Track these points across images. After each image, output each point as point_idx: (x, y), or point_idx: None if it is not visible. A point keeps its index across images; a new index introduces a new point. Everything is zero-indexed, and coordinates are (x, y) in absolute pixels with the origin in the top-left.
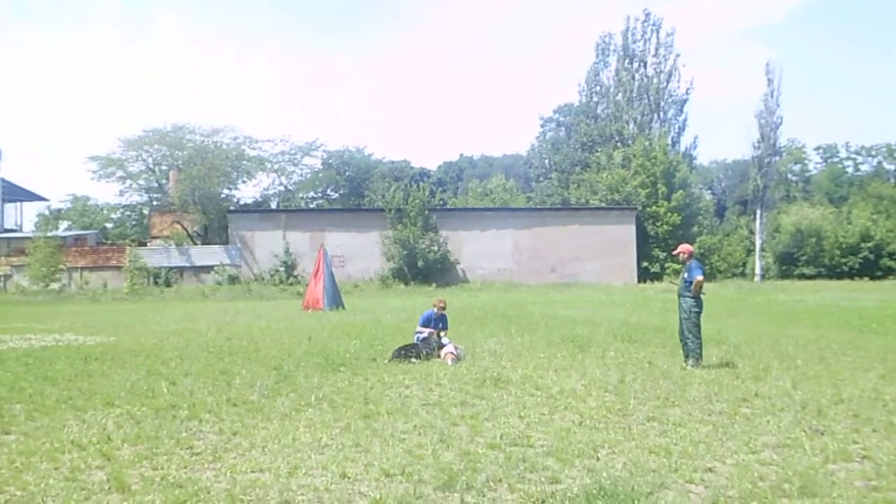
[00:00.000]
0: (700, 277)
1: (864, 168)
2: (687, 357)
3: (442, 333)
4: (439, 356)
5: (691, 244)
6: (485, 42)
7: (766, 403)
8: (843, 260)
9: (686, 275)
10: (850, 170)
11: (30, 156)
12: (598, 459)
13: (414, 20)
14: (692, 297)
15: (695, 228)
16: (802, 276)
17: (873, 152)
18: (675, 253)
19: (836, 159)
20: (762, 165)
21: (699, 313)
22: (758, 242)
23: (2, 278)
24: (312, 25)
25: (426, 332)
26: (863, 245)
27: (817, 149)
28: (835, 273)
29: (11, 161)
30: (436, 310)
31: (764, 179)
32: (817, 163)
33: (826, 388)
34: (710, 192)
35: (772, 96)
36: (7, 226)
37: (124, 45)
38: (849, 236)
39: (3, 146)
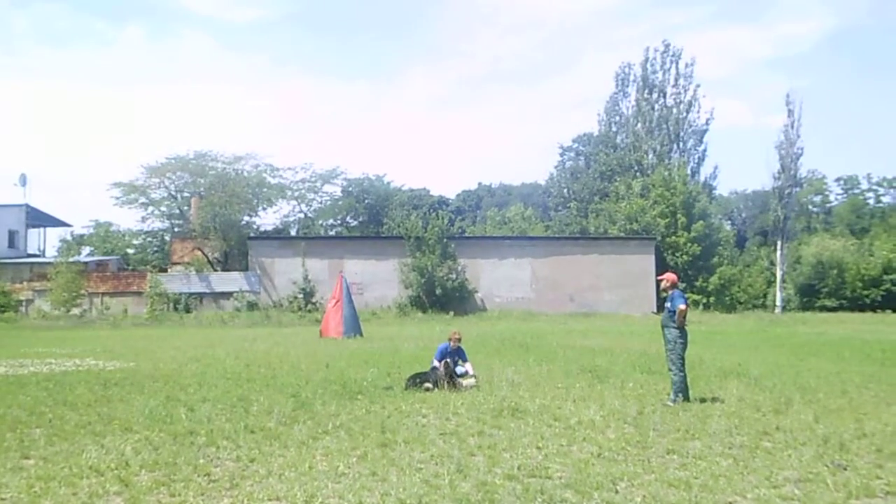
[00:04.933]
0: (683, 307)
1: (886, 199)
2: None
3: (461, 363)
4: (454, 385)
5: (676, 274)
6: (504, 72)
7: (787, 437)
8: (865, 292)
9: (669, 305)
10: (871, 201)
11: (53, 182)
12: (616, 492)
13: (434, 51)
14: (676, 328)
15: (715, 259)
16: (824, 308)
17: (895, 184)
18: (658, 279)
19: (857, 191)
20: (783, 196)
21: (684, 345)
22: (778, 274)
23: (24, 303)
24: (334, 56)
25: (438, 365)
26: (885, 277)
27: (838, 180)
28: (856, 305)
29: (35, 187)
30: (451, 343)
31: (784, 210)
32: (838, 194)
33: (849, 421)
34: (730, 222)
35: (792, 127)
36: (30, 251)
37: (148, 73)
38: (871, 268)
39: (28, 172)
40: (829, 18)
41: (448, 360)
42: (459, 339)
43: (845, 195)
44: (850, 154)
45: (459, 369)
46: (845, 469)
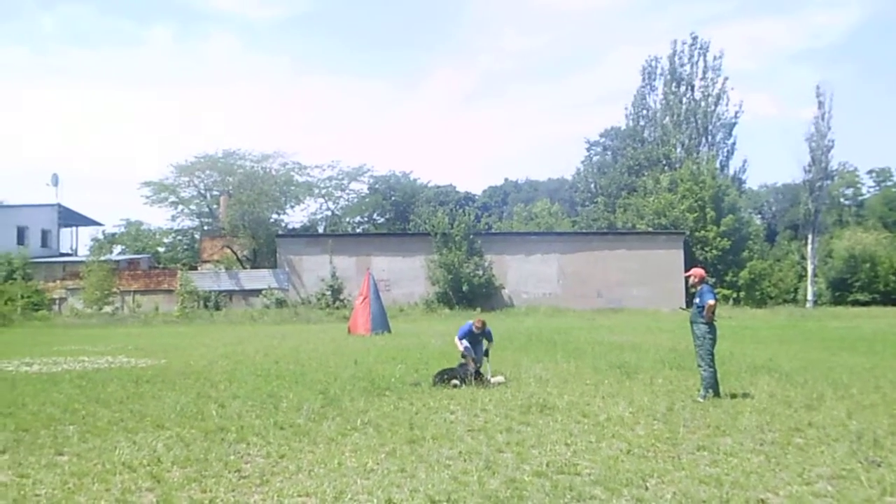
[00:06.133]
0: (712, 302)
1: None
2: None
3: (486, 342)
4: (482, 381)
5: (704, 269)
6: (530, 67)
7: (819, 433)
8: None
9: (698, 300)
10: None
11: (84, 182)
12: (646, 489)
13: (459, 47)
14: (705, 324)
15: (745, 253)
16: (856, 303)
17: None
18: (686, 275)
19: (889, 183)
20: (813, 189)
21: (713, 340)
22: (810, 268)
23: (57, 301)
24: (358, 54)
25: (463, 347)
26: None
27: (870, 172)
28: (890, 299)
29: (68, 187)
30: (475, 328)
31: (815, 204)
32: (870, 186)
33: (882, 417)
34: (759, 216)
35: (823, 119)
36: (63, 250)
37: (175, 74)
38: None
39: (59, 172)
40: (857, 9)
41: (471, 354)
42: (483, 326)
43: (878, 188)
44: (883, 146)
45: (482, 357)
46: (879, 465)
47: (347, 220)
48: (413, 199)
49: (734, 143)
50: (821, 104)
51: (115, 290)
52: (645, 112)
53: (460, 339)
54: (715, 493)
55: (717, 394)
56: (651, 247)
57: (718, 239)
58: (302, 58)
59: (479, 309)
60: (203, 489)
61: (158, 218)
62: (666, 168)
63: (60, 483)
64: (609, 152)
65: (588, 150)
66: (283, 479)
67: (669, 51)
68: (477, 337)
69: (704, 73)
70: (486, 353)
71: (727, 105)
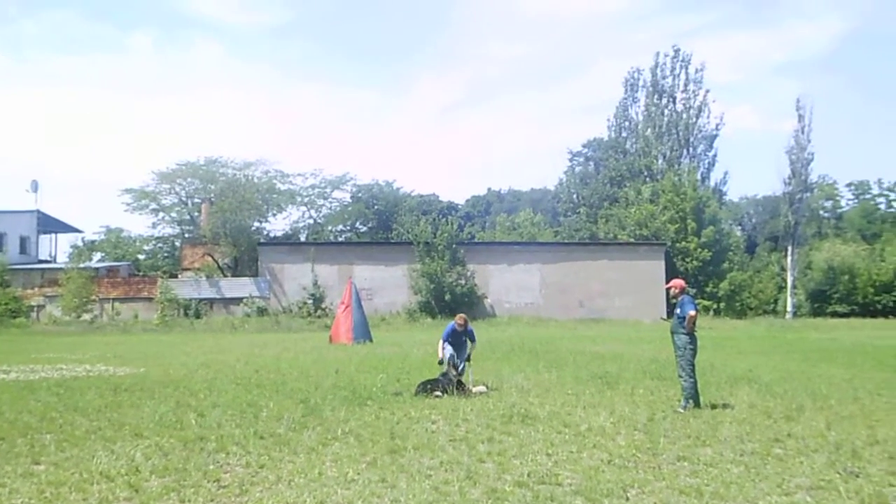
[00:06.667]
0: (693, 312)
1: None
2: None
3: (469, 342)
4: (464, 391)
5: (684, 280)
6: (514, 77)
7: (799, 444)
8: (877, 298)
9: (678, 311)
10: (882, 206)
11: (64, 188)
12: (627, 499)
13: (443, 56)
14: (686, 334)
15: (725, 265)
16: (835, 314)
17: None
18: (666, 287)
19: (868, 196)
20: (793, 202)
21: (694, 351)
22: (789, 279)
23: (35, 308)
24: (343, 62)
25: (446, 355)
26: None
27: (849, 185)
28: (868, 311)
29: (47, 193)
30: (457, 326)
31: (795, 216)
32: (849, 199)
33: (861, 428)
34: (740, 227)
35: (802, 132)
36: (41, 257)
37: (158, 80)
38: (882, 274)
39: (39, 179)
40: (839, 22)
41: (453, 361)
42: (465, 324)
43: (856, 200)
44: (861, 159)
45: (464, 362)
46: (857, 476)
47: (330, 228)
48: (396, 209)
49: (715, 155)
50: (801, 117)
51: (94, 297)
52: (627, 123)
53: (444, 340)
54: (695, 503)
55: (697, 404)
56: (632, 257)
57: (699, 250)
58: (285, 66)
59: None
60: (182, 499)
61: (139, 225)
62: (648, 179)
63: (37, 492)
64: (591, 163)
65: (571, 160)
66: (262, 489)
67: (652, 63)
68: (460, 337)
69: (686, 85)
70: (468, 358)
71: (708, 117)
